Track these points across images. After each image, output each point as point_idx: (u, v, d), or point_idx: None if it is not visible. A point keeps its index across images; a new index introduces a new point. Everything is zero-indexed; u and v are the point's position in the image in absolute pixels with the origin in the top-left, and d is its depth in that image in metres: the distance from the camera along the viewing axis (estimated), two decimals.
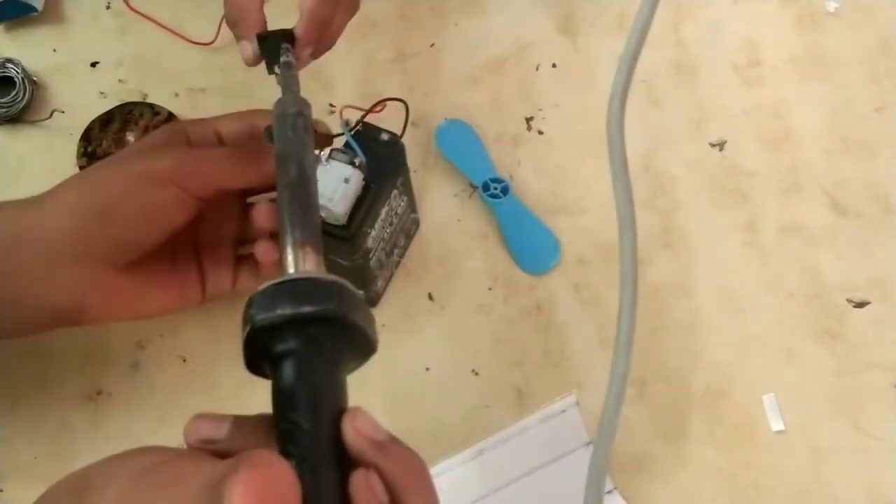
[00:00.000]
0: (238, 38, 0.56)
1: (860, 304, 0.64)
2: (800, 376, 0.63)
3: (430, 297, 0.66)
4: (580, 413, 0.60)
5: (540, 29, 0.73)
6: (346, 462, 0.37)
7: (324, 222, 0.56)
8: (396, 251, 0.65)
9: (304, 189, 0.43)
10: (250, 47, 0.55)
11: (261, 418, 0.38)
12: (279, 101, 0.48)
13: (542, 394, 0.62)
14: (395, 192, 0.61)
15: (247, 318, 0.38)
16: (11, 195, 0.68)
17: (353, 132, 0.58)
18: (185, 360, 0.64)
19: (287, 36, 0.55)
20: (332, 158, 0.57)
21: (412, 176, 0.63)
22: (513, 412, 0.62)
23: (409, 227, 0.65)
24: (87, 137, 0.69)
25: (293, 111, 0.47)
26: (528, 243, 0.66)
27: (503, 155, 0.69)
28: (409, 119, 0.61)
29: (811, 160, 0.69)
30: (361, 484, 0.36)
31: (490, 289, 0.66)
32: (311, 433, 0.36)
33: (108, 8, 0.74)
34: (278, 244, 0.43)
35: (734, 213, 0.67)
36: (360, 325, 0.39)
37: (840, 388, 0.62)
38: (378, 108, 0.61)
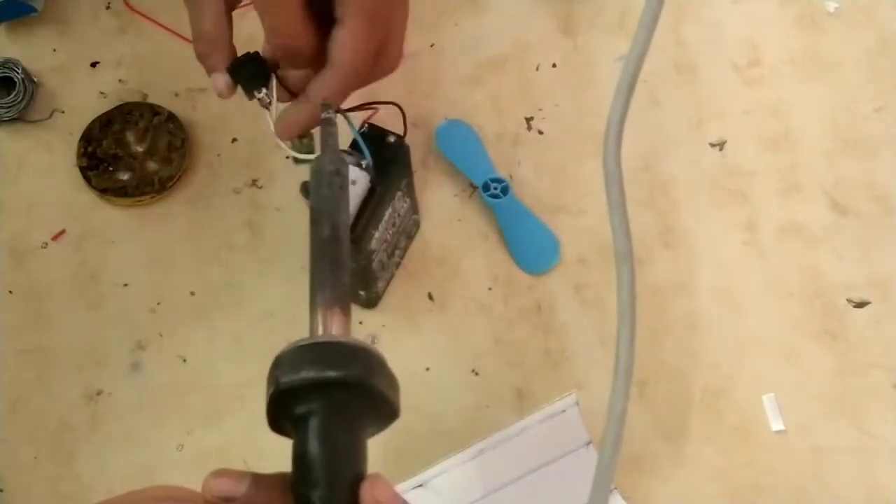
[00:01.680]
0: (209, 70, 0.55)
1: (860, 304, 0.64)
2: (800, 376, 0.63)
3: (430, 297, 0.66)
4: (580, 413, 0.60)
5: (540, 29, 0.73)
6: None
7: None
8: (398, 252, 0.65)
9: (335, 248, 0.44)
10: (223, 79, 0.54)
11: (279, 477, 0.39)
12: (317, 157, 0.48)
13: (542, 394, 0.62)
14: (399, 193, 0.60)
15: (272, 379, 0.39)
16: (11, 195, 0.69)
17: (361, 133, 0.58)
18: (185, 360, 0.64)
19: (258, 60, 0.53)
20: None
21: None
22: (513, 412, 0.62)
23: (410, 228, 0.65)
24: (87, 137, 0.69)
25: (330, 169, 0.47)
26: (528, 243, 0.66)
27: (503, 155, 0.69)
28: (410, 119, 0.61)
29: (811, 160, 0.68)
30: None
31: (490, 289, 0.66)
32: (329, 498, 0.37)
33: (108, 8, 0.74)
34: None
35: (734, 213, 0.67)
36: (382, 391, 0.39)
37: (840, 388, 0.62)
38: (370, 114, 0.59)
